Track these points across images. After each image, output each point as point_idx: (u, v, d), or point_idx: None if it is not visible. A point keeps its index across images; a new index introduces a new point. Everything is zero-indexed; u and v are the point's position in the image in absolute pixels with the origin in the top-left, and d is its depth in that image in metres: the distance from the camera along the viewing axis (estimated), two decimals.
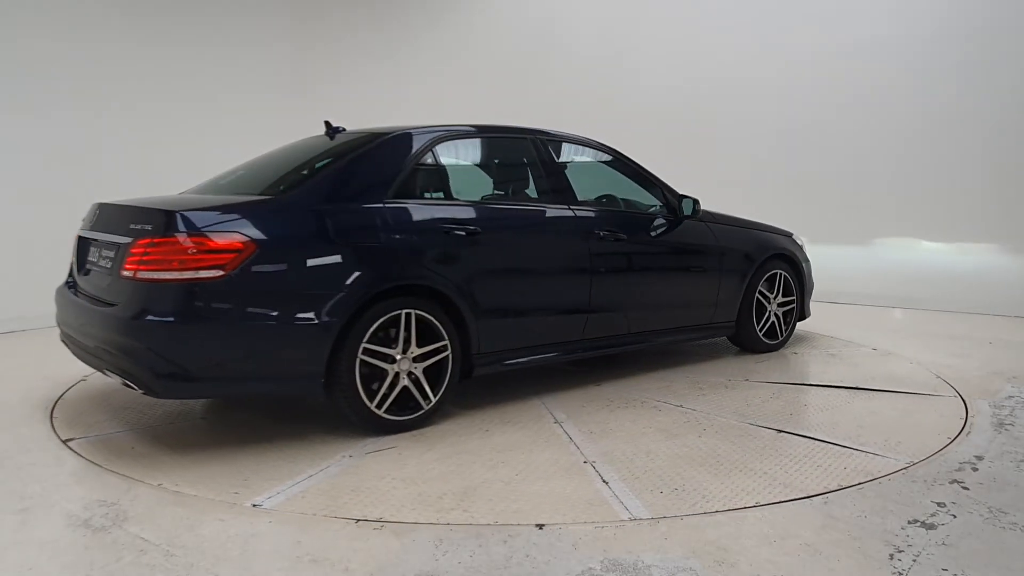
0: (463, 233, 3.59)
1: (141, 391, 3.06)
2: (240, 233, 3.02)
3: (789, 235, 5.33)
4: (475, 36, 8.69)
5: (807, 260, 5.38)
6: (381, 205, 3.43)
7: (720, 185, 6.82)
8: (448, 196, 3.77)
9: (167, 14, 7.08)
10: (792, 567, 2.22)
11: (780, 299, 5.08)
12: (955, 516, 2.58)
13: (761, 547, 2.34)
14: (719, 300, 4.72)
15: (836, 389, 4.23)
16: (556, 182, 4.16)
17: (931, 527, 2.49)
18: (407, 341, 3.37)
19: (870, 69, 7.23)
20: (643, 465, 3.06)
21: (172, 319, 2.96)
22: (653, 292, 4.46)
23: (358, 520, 2.53)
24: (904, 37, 7.11)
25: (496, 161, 4.45)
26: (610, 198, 4.61)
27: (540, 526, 2.49)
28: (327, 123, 4.12)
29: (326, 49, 8.54)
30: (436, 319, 3.45)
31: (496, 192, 4.29)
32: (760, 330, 5.00)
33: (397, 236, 3.41)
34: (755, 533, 2.44)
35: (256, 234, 3.05)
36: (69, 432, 3.48)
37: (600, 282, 4.09)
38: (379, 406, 3.32)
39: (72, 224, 6.13)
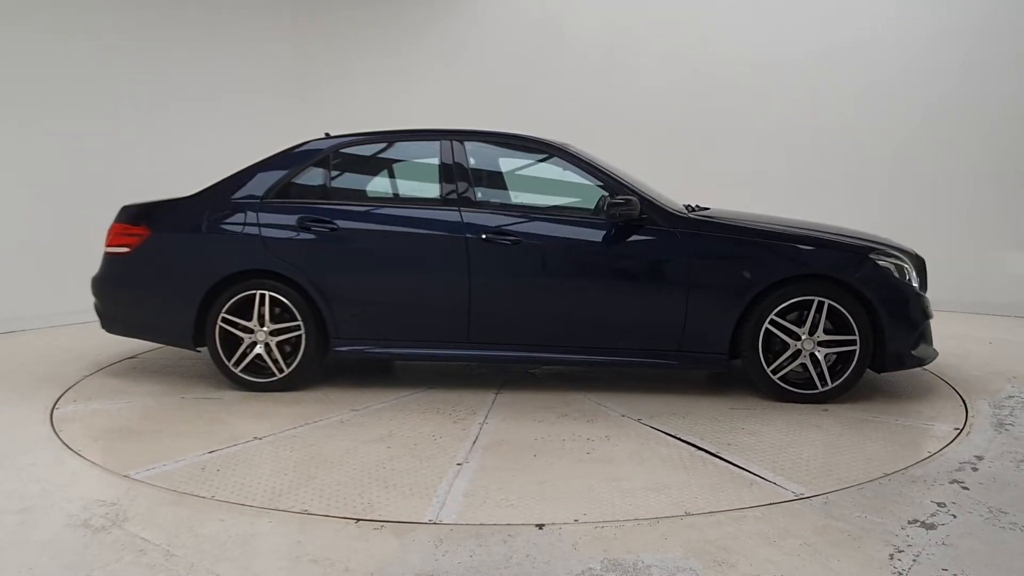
0: (323, 230, 4.06)
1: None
2: (145, 223, 4.20)
3: (863, 251, 3.95)
4: (475, 36, 8.69)
5: (901, 286, 3.93)
6: (253, 203, 4.13)
7: (720, 186, 6.81)
8: (327, 197, 4.23)
9: (168, 14, 7.07)
10: (792, 567, 2.22)
11: (822, 336, 3.85)
12: (955, 516, 2.58)
13: (761, 547, 2.34)
14: (688, 325, 3.89)
15: (703, 453, 3.19)
16: (456, 183, 4.12)
17: (931, 527, 2.49)
18: (262, 317, 4.07)
19: (870, 69, 7.23)
20: (252, 459, 3.14)
21: (103, 280, 4.34)
22: (567, 303, 4.00)
23: (358, 520, 2.54)
24: (904, 37, 7.11)
25: (393, 165, 4.65)
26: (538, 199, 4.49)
27: (540, 526, 2.49)
28: (326, 135, 4.44)
29: (326, 49, 8.54)
30: (291, 301, 4.06)
31: (381, 194, 4.55)
32: (776, 372, 3.90)
33: (255, 229, 4.09)
34: (755, 533, 2.44)
35: (155, 224, 4.21)
36: (69, 432, 3.49)
37: (485, 286, 3.98)
38: (236, 366, 4.11)
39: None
